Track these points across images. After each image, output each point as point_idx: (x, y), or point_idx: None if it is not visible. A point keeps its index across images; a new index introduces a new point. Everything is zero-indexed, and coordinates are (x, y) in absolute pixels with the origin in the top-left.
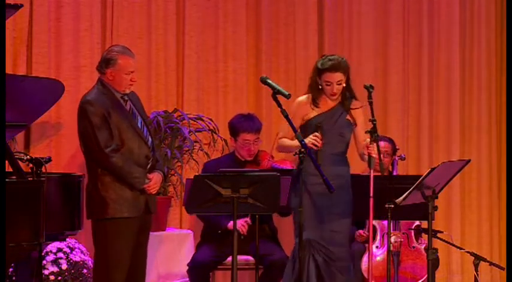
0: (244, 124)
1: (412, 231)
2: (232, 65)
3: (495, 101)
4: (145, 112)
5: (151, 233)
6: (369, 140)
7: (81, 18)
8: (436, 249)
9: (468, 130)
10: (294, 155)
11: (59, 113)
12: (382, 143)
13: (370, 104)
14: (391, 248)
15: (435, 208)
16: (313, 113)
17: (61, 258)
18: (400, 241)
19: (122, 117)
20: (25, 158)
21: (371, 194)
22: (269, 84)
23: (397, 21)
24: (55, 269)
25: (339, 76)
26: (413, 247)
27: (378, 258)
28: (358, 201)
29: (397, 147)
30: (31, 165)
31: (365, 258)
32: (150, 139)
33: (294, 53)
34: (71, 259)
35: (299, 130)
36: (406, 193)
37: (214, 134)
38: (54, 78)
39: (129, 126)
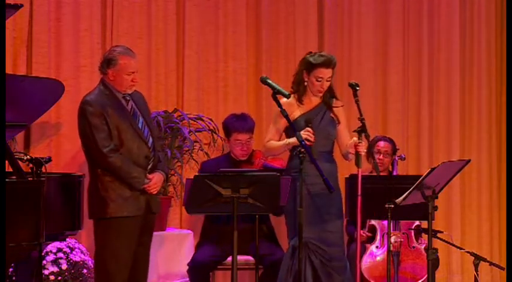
0: (236, 124)
1: (412, 231)
2: (232, 65)
3: (495, 101)
4: (148, 113)
5: None
6: (356, 138)
7: (81, 18)
8: (436, 249)
9: (468, 130)
10: (293, 154)
11: (59, 113)
12: (382, 143)
13: (357, 102)
14: (391, 248)
15: (435, 208)
16: (298, 113)
17: (61, 258)
18: (400, 241)
19: (121, 117)
20: (25, 158)
21: (359, 193)
22: (269, 84)
23: (397, 21)
24: (55, 269)
25: (330, 72)
26: (413, 247)
27: (378, 258)
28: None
29: (397, 147)
30: (31, 165)
31: (365, 258)
32: (151, 139)
33: (294, 53)
34: (71, 259)
35: (285, 131)
36: (406, 193)
37: (214, 134)
38: (54, 78)
39: (129, 126)
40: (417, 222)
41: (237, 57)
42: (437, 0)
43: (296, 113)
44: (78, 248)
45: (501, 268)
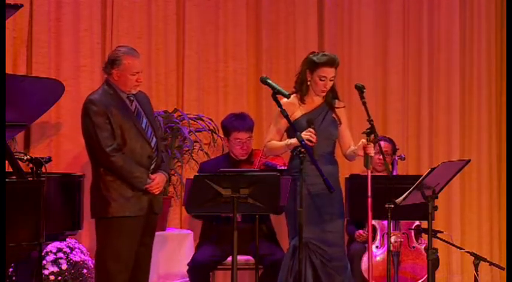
0: (235, 123)
1: (412, 231)
2: (232, 65)
3: (495, 101)
4: (152, 113)
5: None
6: (364, 140)
7: (81, 18)
8: (436, 249)
9: (468, 130)
10: (294, 154)
11: (59, 113)
12: (382, 143)
13: (364, 104)
14: (391, 248)
15: (435, 208)
16: (299, 113)
17: (61, 258)
18: (400, 241)
19: (125, 117)
20: (25, 158)
21: (369, 194)
22: (269, 84)
23: (397, 21)
24: (55, 269)
25: (333, 72)
26: (413, 247)
27: (378, 258)
28: (357, 201)
29: (397, 147)
30: (31, 165)
31: (365, 258)
32: (154, 140)
33: (294, 53)
34: (71, 259)
35: (286, 131)
36: (406, 193)
37: (214, 134)
38: (54, 78)
39: (132, 126)
40: (417, 222)
41: (237, 57)
42: (437, 0)
43: (297, 113)
44: (78, 248)
45: (501, 268)
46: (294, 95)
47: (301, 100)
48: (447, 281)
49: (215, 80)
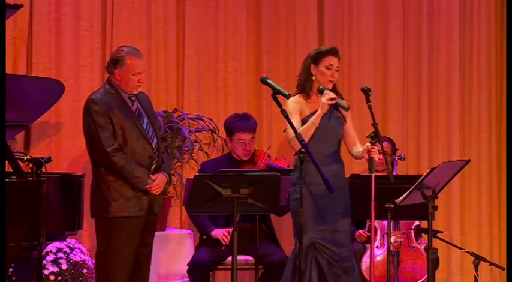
0: (238, 124)
1: (412, 231)
2: (232, 65)
3: (495, 101)
4: (154, 113)
5: None
6: (369, 144)
7: (81, 18)
8: (436, 249)
9: (468, 130)
10: (294, 155)
11: (59, 113)
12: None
13: (369, 107)
14: (391, 248)
15: (435, 208)
16: (307, 111)
17: (61, 258)
18: (400, 241)
19: (126, 117)
20: (25, 158)
21: (372, 198)
22: (269, 84)
23: (397, 21)
24: (55, 269)
25: (337, 61)
26: (413, 247)
27: (378, 258)
28: (358, 201)
29: (397, 147)
30: (31, 165)
31: (365, 258)
32: (155, 140)
33: (294, 53)
34: (71, 259)
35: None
36: (406, 193)
37: (214, 134)
38: (54, 78)
39: (133, 126)
40: (417, 222)
41: (237, 57)
42: (437, 0)
43: (306, 111)
44: (78, 248)
45: (501, 268)
46: (298, 94)
47: (307, 97)
48: (447, 281)
49: (215, 80)
